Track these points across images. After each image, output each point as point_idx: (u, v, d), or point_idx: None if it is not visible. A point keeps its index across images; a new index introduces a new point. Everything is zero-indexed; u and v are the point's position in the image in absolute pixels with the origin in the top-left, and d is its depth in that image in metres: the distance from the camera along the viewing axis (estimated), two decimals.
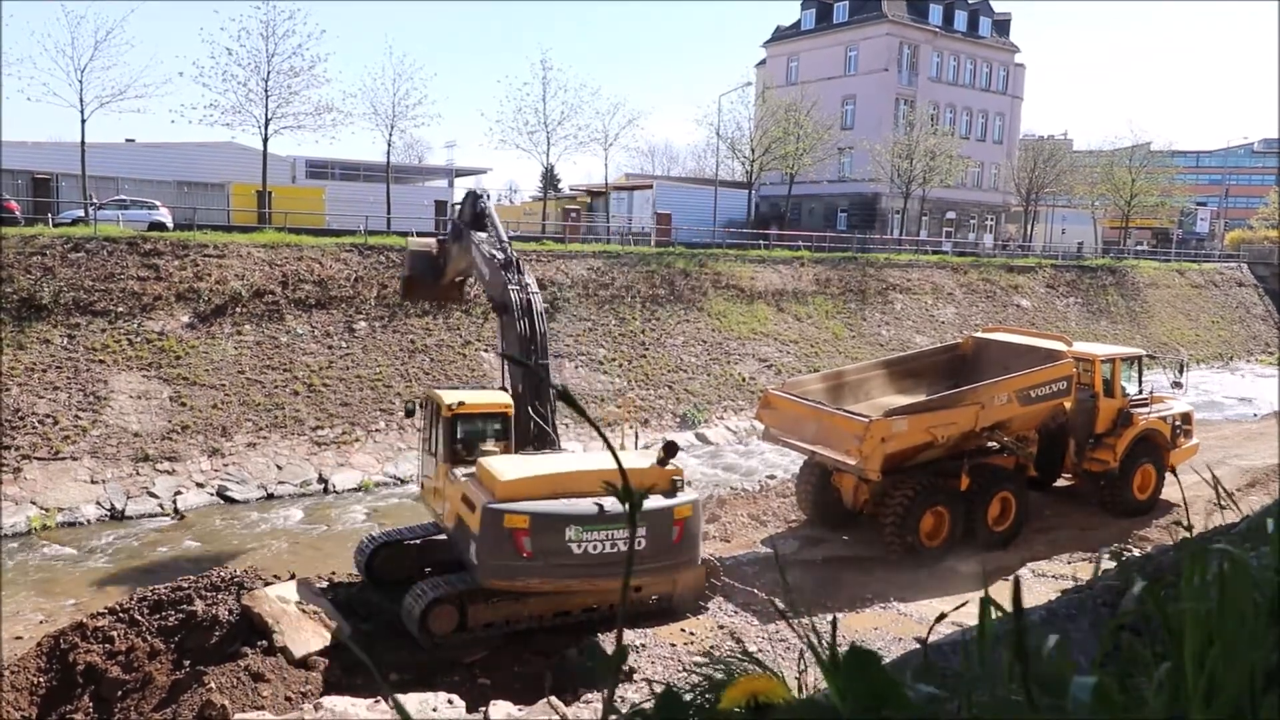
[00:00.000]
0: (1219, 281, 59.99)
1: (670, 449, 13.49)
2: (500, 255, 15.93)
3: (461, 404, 13.58)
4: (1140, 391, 19.61)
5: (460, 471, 13.24)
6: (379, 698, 10.96)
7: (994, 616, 1.22)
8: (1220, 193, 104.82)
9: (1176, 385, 21.52)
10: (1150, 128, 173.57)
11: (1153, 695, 0.81)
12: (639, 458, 14.13)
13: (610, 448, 0.97)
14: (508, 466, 12.48)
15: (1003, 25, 71.01)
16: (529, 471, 12.37)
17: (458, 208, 18.79)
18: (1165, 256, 65.66)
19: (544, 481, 12.16)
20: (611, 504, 11.63)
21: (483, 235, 16.57)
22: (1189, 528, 1.76)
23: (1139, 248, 70.25)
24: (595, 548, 11.98)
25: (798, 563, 16.51)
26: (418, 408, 15.61)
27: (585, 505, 11.94)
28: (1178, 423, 19.81)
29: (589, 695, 11.29)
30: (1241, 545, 1.37)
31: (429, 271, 18.89)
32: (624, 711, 0.95)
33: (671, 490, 12.91)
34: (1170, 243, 73.49)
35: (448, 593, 12.44)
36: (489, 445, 13.81)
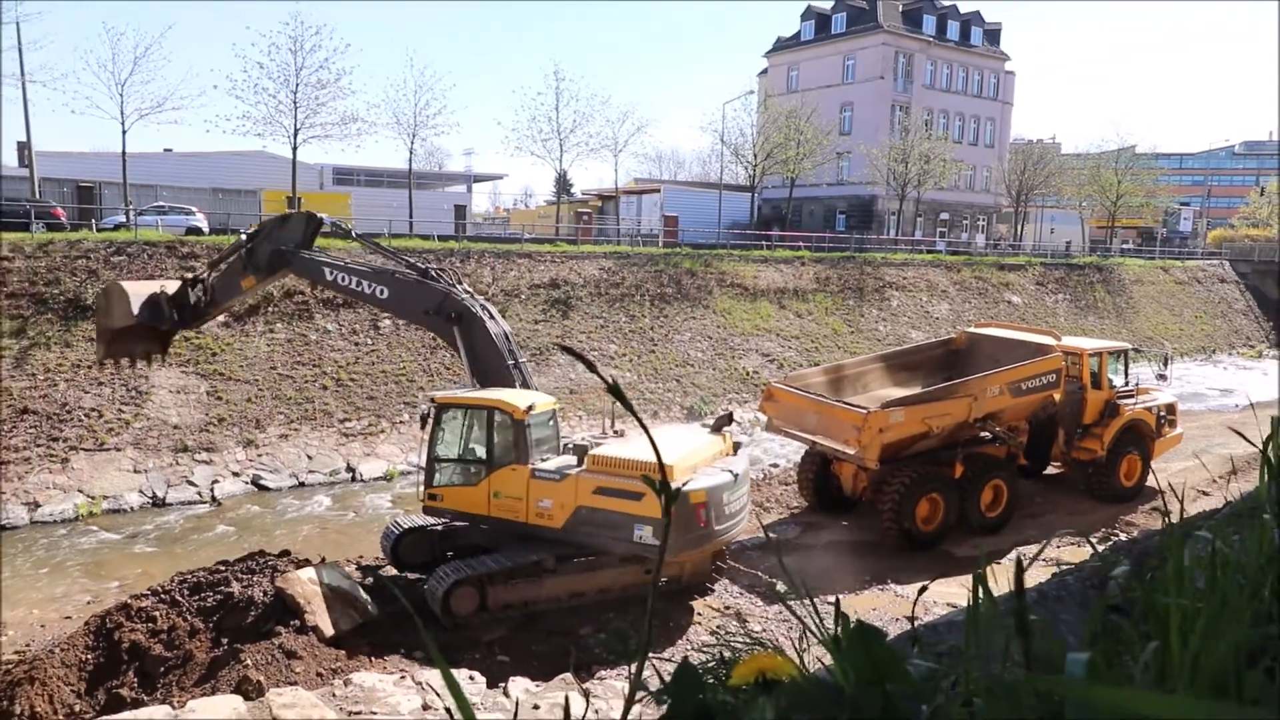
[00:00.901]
0: (1202, 278, 59.60)
1: (728, 418, 15.11)
2: (408, 270, 14.82)
3: (533, 406, 13.22)
4: (1126, 383, 19.55)
5: (556, 465, 12.93)
6: (405, 673, 11.01)
7: (983, 598, 1.22)
8: (1203, 193, 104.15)
9: (1161, 377, 21.43)
10: (1136, 131, 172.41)
11: (1140, 672, 0.81)
12: (695, 433, 15.03)
13: (649, 436, 1.00)
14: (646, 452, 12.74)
15: (994, 34, 70.64)
16: (668, 456, 12.59)
17: (253, 231, 15.67)
18: (1150, 254, 65.23)
19: (687, 460, 12.88)
20: (739, 468, 13.36)
21: (326, 256, 15.16)
22: (1167, 513, 1.75)
23: (1125, 246, 69.83)
24: (733, 507, 13.08)
25: (799, 547, 16.50)
26: (433, 412, 13.79)
27: (724, 474, 12.96)
28: (1162, 413, 19.72)
29: (603, 673, 11.32)
30: (1223, 530, 1.37)
31: (159, 317, 15.50)
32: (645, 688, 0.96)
33: (734, 452, 14.23)
34: (1155, 241, 73.03)
35: (469, 576, 12.48)
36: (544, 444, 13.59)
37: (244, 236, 15.53)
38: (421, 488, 13.59)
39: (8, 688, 10.50)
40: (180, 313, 15.77)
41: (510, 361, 14.09)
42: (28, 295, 23.80)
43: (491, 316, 14.30)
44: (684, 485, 12.15)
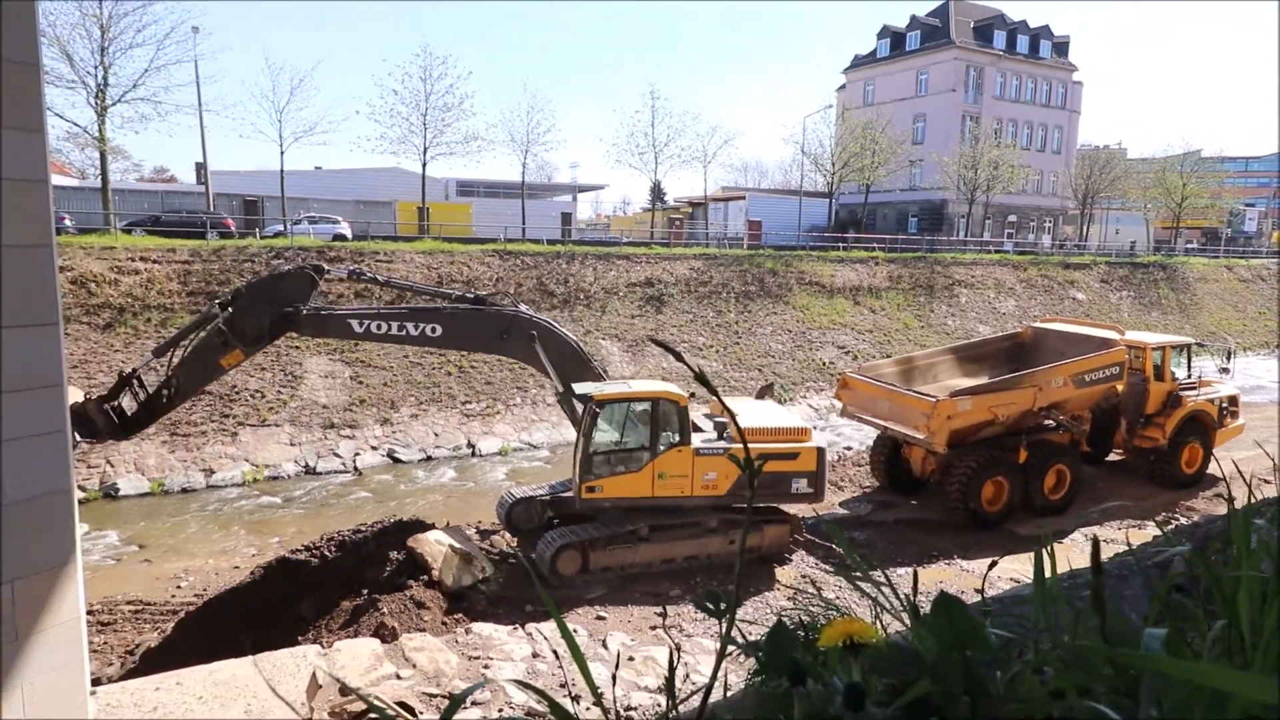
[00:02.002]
0: (1266, 276, 55.67)
1: (770, 388, 16.31)
2: (458, 303, 13.43)
3: (692, 394, 13.54)
4: (1189, 376, 18.48)
5: (705, 441, 13.13)
6: (517, 625, 11.26)
7: (1048, 575, 1.17)
8: (1269, 194, 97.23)
9: (1224, 370, 20.19)
10: (1202, 136, 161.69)
11: (1207, 649, 0.77)
12: (759, 404, 15.37)
13: (731, 415, 1.01)
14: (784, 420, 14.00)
15: (1062, 47, 67.41)
16: (795, 422, 13.94)
17: (227, 299, 12.34)
18: (1214, 253, 61.28)
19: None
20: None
21: (347, 308, 12.85)
22: (1231, 499, 1.66)
23: (1189, 246, 65.83)
24: None
25: (871, 523, 16.18)
26: (590, 409, 12.56)
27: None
28: (1225, 404, 18.58)
29: (690, 630, 11.35)
30: None
31: (93, 431, 11.59)
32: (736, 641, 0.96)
33: None
34: (1219, 241, 68.59)
35: (573, 541, 12.65)
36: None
37: (215, 307, 12.19)
38: (577, 482, 12.88)
39: (189, 624, 11.16)
40: (120, 418, 11.74)
41: (593, 366, 13.88)
42: (204, 293, 25.16)
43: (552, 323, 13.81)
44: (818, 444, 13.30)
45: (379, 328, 12.59)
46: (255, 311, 12.15)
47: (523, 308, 13.70)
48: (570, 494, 14.35)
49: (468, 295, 13.76)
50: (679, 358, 1.02)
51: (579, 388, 13.12)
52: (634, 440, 13.07)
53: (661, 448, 12.86)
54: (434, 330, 12.81)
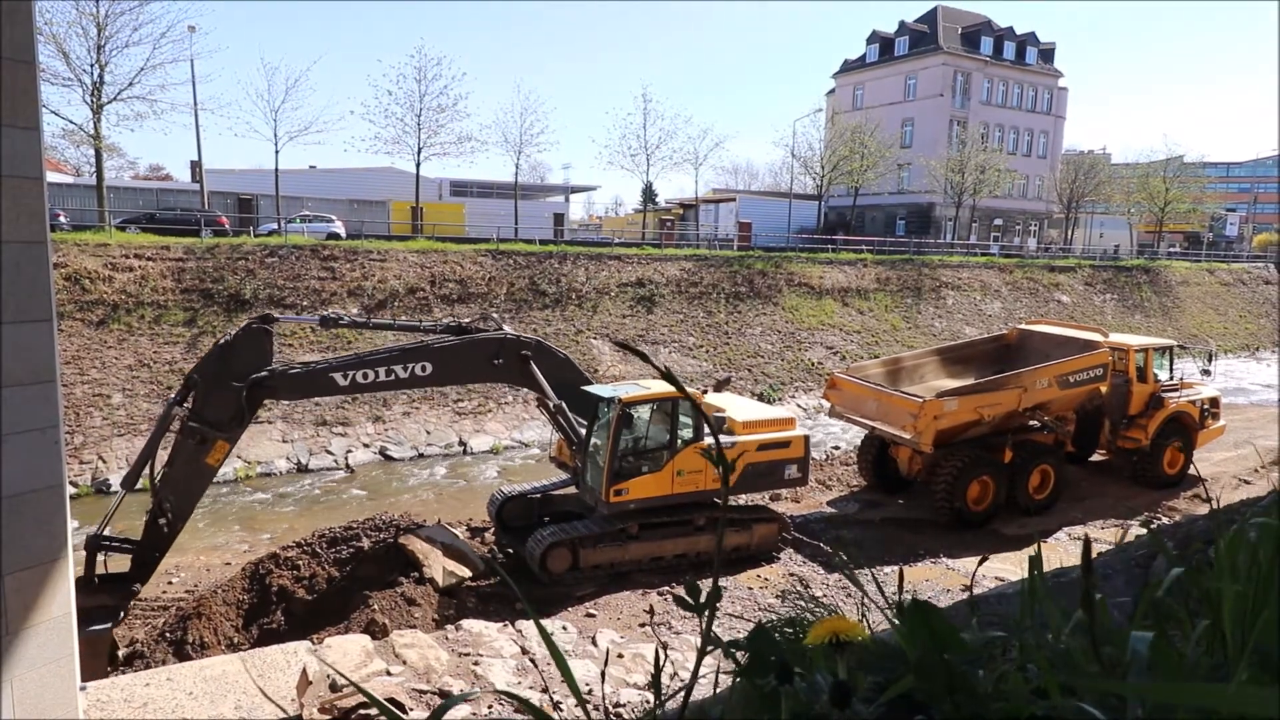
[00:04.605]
0: (1246, 280, 56.11)
1: (727, 380, 17.20)
2: (443, 335, 12.59)
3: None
4: (1171, 378, 18.59)
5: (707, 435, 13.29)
6: (507, 622, 11.23)
7: (1035, 574, 1.17)
8: (1249, 200, 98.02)
9: (1205, 373, 20.33)
10: (1184, 141, 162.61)
11: (1190, 649, 0.77)
12: (728, 398, 15.73)
13: (704, 415, 1.00)
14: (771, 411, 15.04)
15: (1048, 54, 67.75)
16: (781, 413, 15.04)
17: (183, 388, 10.81)
18: (1196, 257, 61.70)
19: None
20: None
21: (325, 361, 11.92)
22: (1209, 499, 1.66)
23: (1171, 249, 66.27)
24: None
25: (859, 522, 16.22)
26: (618, 413, 12.41)
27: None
28: (1206, 406, 18.68)
29: (678, 627, 11.35)
30: (1271, 517, 1.29)
31: (114, 617, 9.85)
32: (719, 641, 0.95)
33: None
34: (1201, 245, 69.09)
35: (563, 538, 12.62)
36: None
37: (173, 400, 10.78)
38: (604, 487, 12.55)
39: (180, 620, 11.09)
40: (121, 581, 10.25)
41: (584, 374, 13.83)
42: (198, 291, 25.02)
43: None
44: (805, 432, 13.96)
45: (365, 377, 11.52)
46: (220, 393, 10.67)
47: (506, 328, 13.15)
48: (560, 492, 14.33)
49: (445, 325, 12.98)
50: (644, 358, 1.02)
51: (598, 390, 13.11)
52: (654, 440, 13.04)
53: (679, 445, 12.97)
54: (424, 369, 11.89)
